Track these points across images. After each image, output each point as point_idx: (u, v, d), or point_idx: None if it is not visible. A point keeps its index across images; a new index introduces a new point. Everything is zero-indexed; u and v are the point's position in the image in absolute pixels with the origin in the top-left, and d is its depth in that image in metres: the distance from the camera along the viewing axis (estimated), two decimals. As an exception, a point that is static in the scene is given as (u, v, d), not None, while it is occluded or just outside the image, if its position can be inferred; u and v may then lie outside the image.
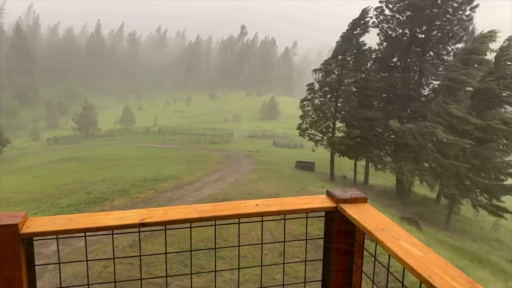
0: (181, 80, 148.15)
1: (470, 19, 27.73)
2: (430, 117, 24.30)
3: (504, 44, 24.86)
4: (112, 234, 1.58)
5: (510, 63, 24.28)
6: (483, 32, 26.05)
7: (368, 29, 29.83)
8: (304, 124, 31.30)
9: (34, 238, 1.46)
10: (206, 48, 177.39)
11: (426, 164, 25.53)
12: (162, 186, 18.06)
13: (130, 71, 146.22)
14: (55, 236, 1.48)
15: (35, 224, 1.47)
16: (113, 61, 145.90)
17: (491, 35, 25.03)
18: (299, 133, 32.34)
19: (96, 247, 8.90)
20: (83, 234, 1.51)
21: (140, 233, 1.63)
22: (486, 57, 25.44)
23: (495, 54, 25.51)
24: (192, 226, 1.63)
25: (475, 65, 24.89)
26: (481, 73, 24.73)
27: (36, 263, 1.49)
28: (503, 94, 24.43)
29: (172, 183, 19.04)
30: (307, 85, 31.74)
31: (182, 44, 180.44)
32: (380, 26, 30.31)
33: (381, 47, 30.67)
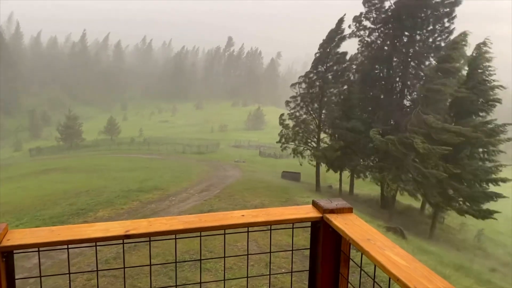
0: (167, 90, 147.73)
1: (449, 31, 28.29)
2: (410, 128, 24.59)
3: (474, 54, 25.30)
4: (96, 246, 1.55)
5: (481, 70, 24.70)
6: (453, 38, 26.53)
7: (345, 39, 29.99)
8: (283, 138, 31.03)
9: (15, 251, 1.43)
10: (192, 58, 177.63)
11: (409, 174, 25.80)
12: (147, 197, 17.86)
13: (115, 81, 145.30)
14: (36, 249, 1.45)
15: (16, 236, 1.44)
16: (98, 70, 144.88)
17: (461, 39, 25.48)
18: (280, 146, 32.23)
19: (79, 259, 8.73)
20: (65, 246, 1.48)
21: (124, 245, 1.60)
22: (459, 64, 25.91)
23: (466, 59, 26.03)
24: (177, 237, 1.61)
25: (450, 73, 25.34)
26: (455, 81, 25.18)
27: (16, 277, 1.45)
28: (478, 102, 24.87)
29: (157, 194, 18.85)
30: (286, 100, 31.69)
31: (168, 54, 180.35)
32: (361, 37, 30.66)
33: (363, 58, 30.98)
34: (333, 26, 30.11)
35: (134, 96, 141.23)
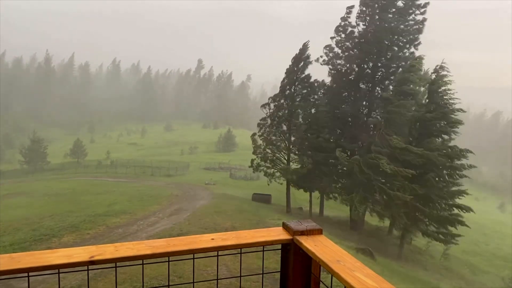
0: (135, 112, 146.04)
1: (413, 57, 29.45)
2: (374, 148, 25.10)
3: (433, 76, 26.36)
4: (59, 273, 1.49)
5: (441, 93, 25.67)
6: (409, 62, 27.64)
7: (310, 63, 30.73)
8: (256, 160, 31.19)
9: (-29, 281, 1.35)
10: (161, 79, 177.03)
11: (375, 195, 26.20)
12: (114, 221, 17.41)
13: (82, 103, 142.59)
14: (-6, 278, 1.38)
15: (-28, 265, 1.36)
16: (64, 92, 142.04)
17: (417, 63, 26.62)
18: (253, 170, 32.30)
19: (42, 287, 8.36)
20: (26, 274, 1.41)
21: (90, 271, 1.55)
22: (417, 87, 26.90)
23: (425, 83, 27.09)
24: (144, 262, 1.57)
25: (408, 95, 26.26)
26: (413, 103, 26.08)
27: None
28: (440, 124, 25.73)
29: (125, 218, 18.41)
30: (258, 123, 31.92)
31: (137, 75, 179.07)
32: (331, 62, 31.49)
33: (332, 82, 31.72)
34: (299, 49, 30.81)
35: (102, 118, 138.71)
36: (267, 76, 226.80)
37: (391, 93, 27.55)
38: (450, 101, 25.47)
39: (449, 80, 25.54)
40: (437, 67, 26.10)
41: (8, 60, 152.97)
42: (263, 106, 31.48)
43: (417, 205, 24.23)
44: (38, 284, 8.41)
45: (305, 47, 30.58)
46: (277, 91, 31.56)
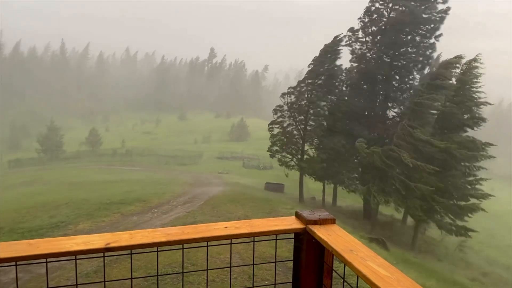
0: (150, 101, 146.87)
1: (433, 47, 28.91)
2: (396, 140, 24.89)
3: (463, 69, 25.85)
4: (76, 259, 1.52)
5: (469, 86, 25.23)
6: (448, 58, 27.07)
7: (339, 55, 30.65)
8: (274, 146, 31.40)
9: (-9, 265, 1.39)
10: (175, 69, 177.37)
11: (393, 186, 26.03)
12: (128, 209, 17.62)
13: (97, 92, 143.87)
14: (13, 263, 1.41)
15: (-8, 250, 1.40)
16: (80, 81, 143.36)
17: (456, 61, 25.97)
18: (270, 154, 32.39)
19: (58, 273, 8.53)
20: (44, 260, 1.45)
21: (105, 258, 1.58)
22: (451, 82, 26.39)
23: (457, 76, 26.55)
24: (159, 250, 1.59)
25: (440, 89, 25.78)
26: (444, 97, 25.64)
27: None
28: (464, 117, 25.35)
29: (139, 206, 18.62)
30: (274, 108, 31.97)
31: (151, 65, 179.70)
32: (352, 49, 31.15)
33: (353, 71, 31.44)
34: (319, 41, 30.75)
35: (116, 107, 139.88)
36: (280, 66, 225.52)
37: (422, 85, 27.10)
38: (477, 94, 25.07)
39: (479, 73, 25.08)
40: (471, 61, 25.54)
41: (24, 49, 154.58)
42: (283, 95, 31.53)
43: (434, 196, 24.01)
44: (55, 270, 8.59)
45: (336, 39, 30.58)
46: (290, 80, 31.63)
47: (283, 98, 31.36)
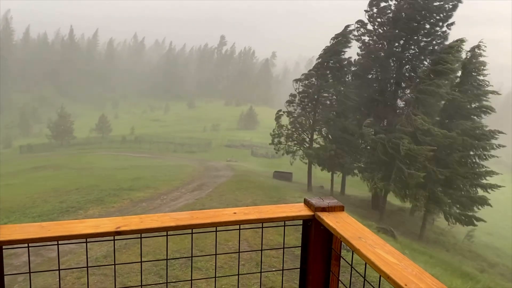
0: (159, 88, 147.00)
1: (445, 35, 28.42)
2: (399, 128, 24.61)
3: (468, 56, 25.39)
4: (86, 242, 1.54)
5: (475, 74, 24.81)
6: (449, 42, 26.54)
7: (350, 45, 30.41)
8: (276, 138, 31.28)
9: (4, 247, 1.41)
10: (184, 56, 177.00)
11: (396, 174, 25.87)
12: (138, 195, 17.79)
13: (106, 78, 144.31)
14: (26, 245, 1.43)
15: (5, 232, 1.42)
16: (89, 68, 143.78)
17: (457, 45, 25.42)
18: (274, 147, 32.34)
19: (69, 257, 8.67)
20: (55, 242, 1.47)
21: (115, 243, 1.59)
22: (453, 67, 25.94)
23: (460, 63, 26.10)
24: (168, 234, 1.61)
25: (443, 74, 25.36)
26: (447, 83, 25.16)
27: (5, 273, 1.44)
28: (472, 106, 24.99)
29: (148, 192, 18.79)
30: (287, 100, 31.83)
31: (160, 52, 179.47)
32: (361, 39, 30.84)
33: (360, 60, 31.13)
34: (329, 28, 30.45)
35: (126, 94, 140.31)
36: (289, 54, 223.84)
37: (424, 71, 26.72)
38: (484, 82, 24.66)
39: (484, 61, 24.61)
40: (475, 48, 25.09)
41: (33, 34, 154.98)
42: (296, 80, 31.44)
43: (440, 185, 23.84)
44: (65, 255, 8.74)
45: (347, 28, 30.40)
46: (300, 68, 31.56)
47: (296, 83, 31.26)
